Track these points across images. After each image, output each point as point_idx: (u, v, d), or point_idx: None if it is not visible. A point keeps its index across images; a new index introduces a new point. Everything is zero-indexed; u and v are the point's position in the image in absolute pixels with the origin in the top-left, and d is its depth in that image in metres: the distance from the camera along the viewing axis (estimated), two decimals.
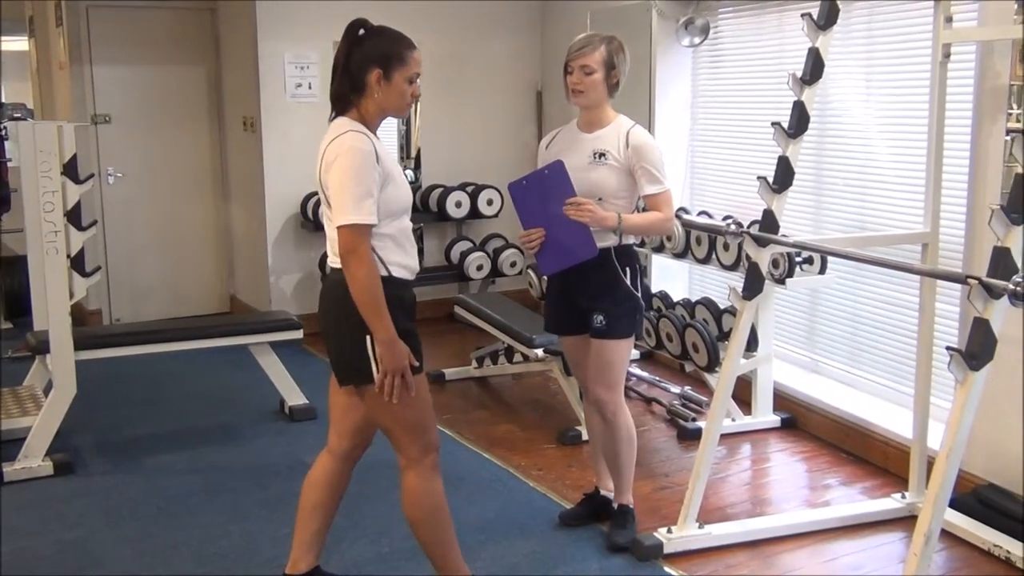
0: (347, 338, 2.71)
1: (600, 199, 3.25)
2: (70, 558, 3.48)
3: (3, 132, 7.64)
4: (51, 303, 4.20)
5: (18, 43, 8.60)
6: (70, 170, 4.23)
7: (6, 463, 4.13)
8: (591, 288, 3.35)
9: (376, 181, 2.63)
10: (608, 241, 3.30)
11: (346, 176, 2.59)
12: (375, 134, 2.75)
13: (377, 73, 2.68)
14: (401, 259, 2.75)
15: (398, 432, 2.80)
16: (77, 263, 4.29)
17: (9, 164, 7.10)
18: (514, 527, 3.67)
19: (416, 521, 2.86)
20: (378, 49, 2.70)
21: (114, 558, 3.48)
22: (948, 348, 2.80)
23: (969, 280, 2.78)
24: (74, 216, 4.25)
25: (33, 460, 4.15)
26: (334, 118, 2.76)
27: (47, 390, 4.42)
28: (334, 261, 2.75)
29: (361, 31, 2.73)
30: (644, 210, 3.37)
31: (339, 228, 2.60)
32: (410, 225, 2.82)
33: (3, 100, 11.91)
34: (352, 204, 2.58)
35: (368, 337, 2.65)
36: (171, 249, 7.04)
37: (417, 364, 2.73)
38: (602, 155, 3.29)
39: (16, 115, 8.85)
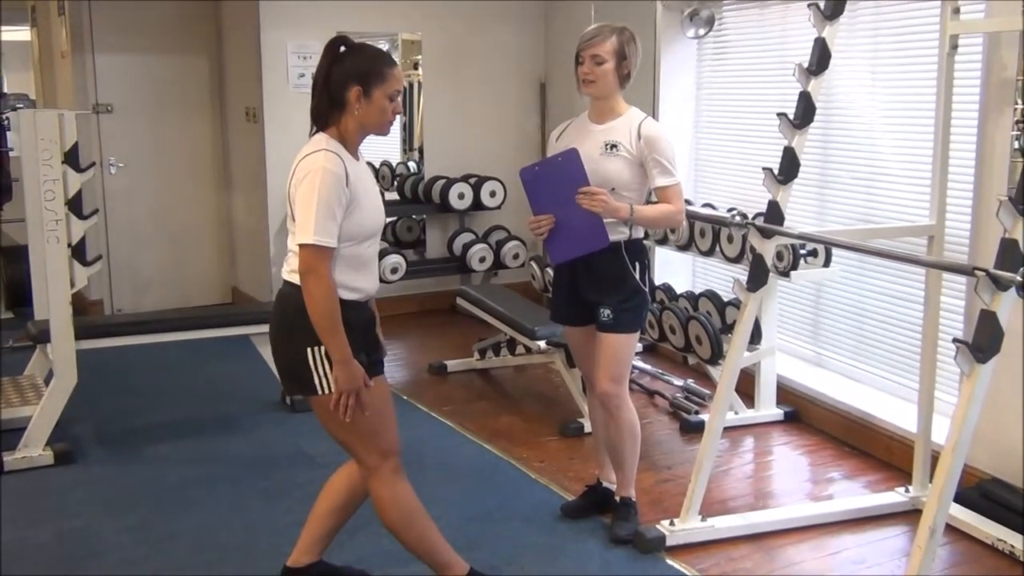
0: (289, 349, 2.73)
1: (613, 189, 3.23)
2: (69, 548, 3.47)
3: (5, 122, 7.63)
4: (52, 292, 4.18)
5: (20, 33, 8.58)
6: (71, 158, 4.21)
7: (6, 452, 4.11)
8: (600, 281, 3.33)
9: (342, 204, 2.62)
10: (619, 235, 3.28)
11: (312, 196, 2.58)
12: (358, 151, 2.76)
13: (357, 90, 2.66)
14: (351, 281, 2.72)
15: (352, 442, 2.79)
16: (78, 252, 4.27)
17: (11, 154, 7.08)
18: (516, 519, 3.66)
19: (392, 527, 2.87)
20: (357, 66, 2.68)
21: (113, 548, 3.47)
22: (955, 341, 2.78)
23: (976, 272, 2.75)
24: (75, 205, 4.23)
25: (33, 449, 4.14)
26: (315, 133, 2.75)
27: (48, 379, 4.40)
28: (286, 272, 2.76)
29: (342, 48, 2.71)
30: (651, 202, 3.35)
31: (300, 246, 2.61)
32: (374, 250, 2.81)
33: (5, 90, 11.90)
34: (315, 225, 2.57)
35: (309, 349, 2.66)
36: (173, 239, 7.03)
37: (371, 384, 2.70)
38: (614, 146, 3.27)
39: (18, 105, 8.83)
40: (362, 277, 2.76)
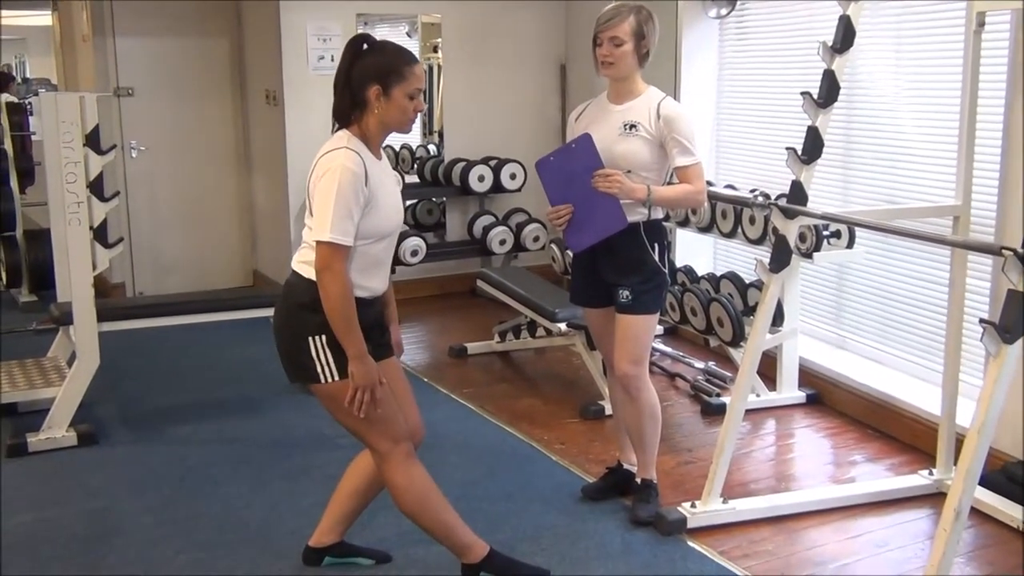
0: (291, 338, 2.75)
1: (629, 171, 3.21)
2: (93, 527, 3.49)
3: (27, 106, 7.68)
4: (74, 274, 4.20)
5: (42, 17, 8.61)
6: (92, 141, 4.22)
7: (30, 433, 4.15)
8: (619, 263, 3.31)
9: (359, 204, 2.64)
10: (637, 216, 3.26)
11: (330, 194, 2.60)
12: (380, 148, 2.78)
13: (376, 89, 2.68)
14: (361, 279, 2.73)
15: (362, 429, 2.79)
16: (100, 234, 4.28)
17: (33, 138, 7.12)
18: (536, 500, 3.66)
19: (409, 512, 2.88)
20: (377, 65, 2.69)
21: (137, 528, 3.49)
22: (981, 321, 2.74)
23: (1004, 251, 2.71)
24: (96, 187, 4.24)
25: (57, 430, 4.17)
26: (338, 129, 2.76)
27: (71, 361, 4.43)
28: (296, 262, 2.78)
29: (363, 46, 2.72)
30: (671, 183, 3.33)
31: (317, 243, 2.63)
32: (389, 251, 2.83)
33: (28, 75, 11.98)
34: (332, 222, 2.60)
35: (310, 339, 2.68)
36: (194, 223, 7.04)
37: (385, 381, 2.72)
38: (633, 127, 3.24)
39: (40, 89, 8.88)
40: (372, 276, 2.78)
